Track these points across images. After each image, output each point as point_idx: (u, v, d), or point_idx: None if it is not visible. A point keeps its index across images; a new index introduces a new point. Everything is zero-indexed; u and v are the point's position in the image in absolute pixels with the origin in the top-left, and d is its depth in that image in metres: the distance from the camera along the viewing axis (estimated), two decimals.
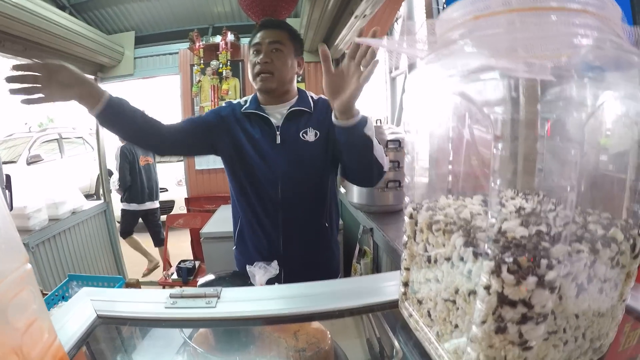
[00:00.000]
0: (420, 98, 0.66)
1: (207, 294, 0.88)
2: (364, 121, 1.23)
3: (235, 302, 0.87)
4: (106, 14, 4.21)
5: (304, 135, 1.50)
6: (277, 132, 1.51)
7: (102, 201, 4.35)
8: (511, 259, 0.42)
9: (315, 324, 0.89)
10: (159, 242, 4.87)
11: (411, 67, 3.32)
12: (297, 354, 0.82)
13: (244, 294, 0.91)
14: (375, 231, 2.20)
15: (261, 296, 0.90)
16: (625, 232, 0.56)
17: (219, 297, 0.88)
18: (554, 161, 0.47)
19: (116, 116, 1.30)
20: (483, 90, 0.47)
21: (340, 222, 1.80)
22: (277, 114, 1.55)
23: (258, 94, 1.59)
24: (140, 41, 4.45)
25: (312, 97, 1.61)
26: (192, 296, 0.88)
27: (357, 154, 1.31)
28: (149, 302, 0.88)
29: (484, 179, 0.52)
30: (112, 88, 4.45)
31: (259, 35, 1.51)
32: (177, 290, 0.90)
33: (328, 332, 0.88)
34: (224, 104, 1.68)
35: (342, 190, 3.02)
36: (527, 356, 0.46)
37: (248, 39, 1.60)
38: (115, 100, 1.29)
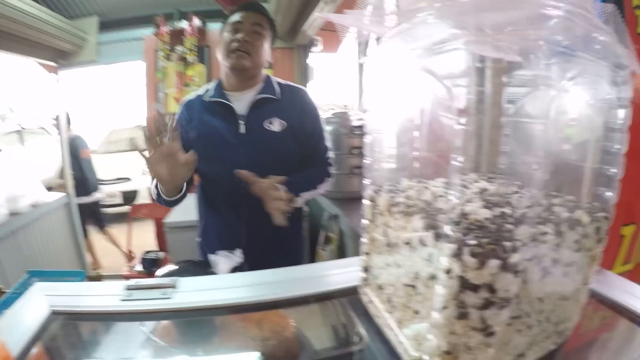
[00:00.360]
0: (381, 75, 0.64)
1: (162, 284, 0.85)
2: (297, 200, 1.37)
3: (192, 292, 0.84)
4: None
5: (269, 124, 1.45)
6: (242, 121, 1.45)
7: (64, 194, 4.20)
8: (473, 242, 0.40)
9: (279, 313, 0.87)
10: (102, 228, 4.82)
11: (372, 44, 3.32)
12: (261, 343, 0.80)
13: (201, 284, 0.88)
14: (340, 217, 2.18)
15: (219, 285, 0.88)
16: (591, 215, 0.55)
17: (175, 288, 0.85)
18: (520, 141, 0.45)
19: (178, 201, 1.44)
20: (446, 62, 0.45)
21: (305, 208, 1.78)
22: (241, 102, 1.48)
23: (225, 76, 1.52)
24: (104, 26, 4.24)
25: (278, 83, 1.55)
26: (148, 287, 0.85)
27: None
28: (105, 295, 0.85)
29: (447, 160, 0.50)
30: (74, 75, 4.30)
31: (240, 14, 1.45)
32: (133, 281, 0.87)
33: (292, 320, 0.86)
34: (179, 110, 1.59)
35: None
36: (490, 342, 0.44)
37: (215, 24, 1.56)
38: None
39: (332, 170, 1.51)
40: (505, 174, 0.52)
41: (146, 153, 1.22)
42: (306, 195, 1.40)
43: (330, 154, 1.53)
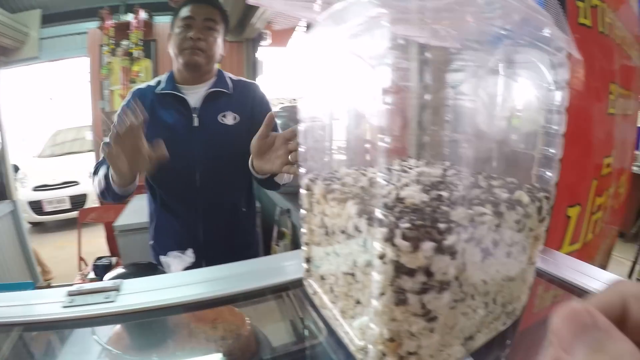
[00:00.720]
0: (312, 61, 0.63)
1: (105, 288, 0.82)
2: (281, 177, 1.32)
3: (137, 293, 0.82)
4: None
5: (223, 118, 1.44)
6: (195, 115, 1.43)
7: (8, 200, 4.00)
8: (406, 224, 0.39)
9: (234, 311, 0.86)
10: None
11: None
12: (218, 343, 0.79)
13: (146, 284, 0.86)
14: (292, 212, 2.18)
15: (165, 285, 0.86)
16: (531, 195, 0.55)
17: (118, 290, 0.82)
18: (460, 125, 0.45)
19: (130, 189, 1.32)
20: (371, 41, 0.44)
21: (257, 204, 1.77)
22: (194, 95, 1.46)
23: (177, 71, 1.49)
24: (46, 20, 4.06)
25: (230, 78, 1.54)
26: (91, 292, 0.81)
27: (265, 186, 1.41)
28: (47, 302, 0.81)
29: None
30: (16, 74, 4.10)
31: (190, 8, 1.41)
32: (75, 287, 0.83)
33: (247, 318, 0.85)
34: (127, 98, 1.52)
35: None
36: (433, 327, 0.43)
37: (162, 17, 1.52)
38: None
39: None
40: (447, 159, 0.52)
41: (106, 139, 1.16)
42: (285, 176, 1.35)
43: None
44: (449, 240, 0.39)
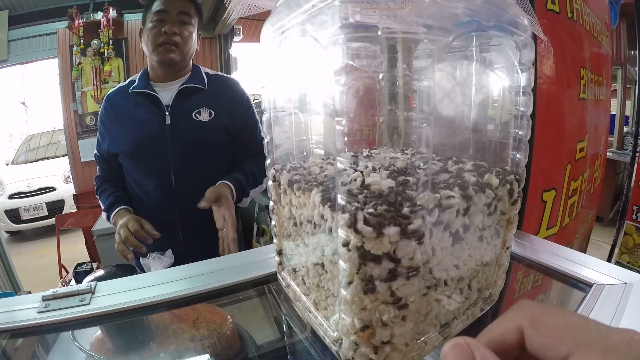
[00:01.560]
0: (272, 49, 0.62)
1: (80, 290, 0.81)
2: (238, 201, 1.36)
3: (111, 294, 0.81)
4: None
5: (197, 115, 1.39)
6: (167, 112, 1.38)
7: None
8: (369, 210, 0.38)
9: (214, 309, 0.85)
10: None
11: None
12: (199, 343, 0.78)
13: (121, 285, 0.85)
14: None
15: (140, 285, 0.84)
16: (501, 178, 0.55)
17: (93, 293, 0.81)
18: (428, 111, 0.44)
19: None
20: (322, 22, 0.43)
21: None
22: (167, 92, 1.42)
23: (152, 68, 1.45)
24: (14, 21, 3.98)
25: (206, 73, 1.49)
26: (65, 296, 0.80)
27: None
28: (21, 309, 0.80)
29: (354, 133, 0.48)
30: None
31: (164, 1, 1.36)
32: (49, 292, 0.81)
33: (228, 316, 0.84)
34: (103, 104, 1.52)
35: None
36: (405, 315, 0.43)
37: (132, 15, 1.48)
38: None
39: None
40: (415, 145, 0.51)
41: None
42: (253, 193, 1.38)
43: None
44: (414, 224, 0.38)
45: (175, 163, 1.36)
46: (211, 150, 1.42)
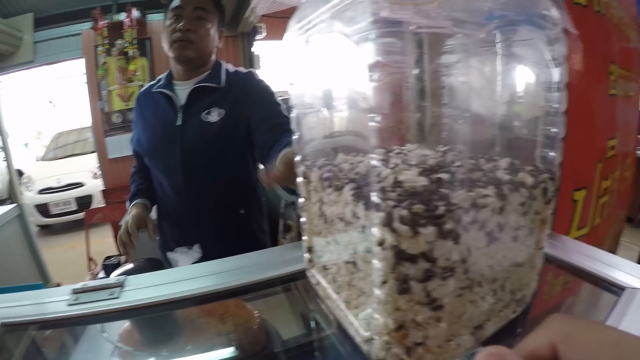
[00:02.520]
0: (300, 45, 0.61)
1: (109, 284, 0.83)
2: None
3: (140, 288, 0.82)
4: None
5: (207, 115, 1.36)
6: (179, 113, 1.38)
7: (14, 205, 4.02)
8: (405, 209, 0.38)
9: (242, 305, 0.86)
10: None
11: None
12: (227, 337, 0.80)
13: (150, 280, 0.86)
14: (297, 204, 2.16)
15: (168, 279, 0.85)
16: (535, 177, 0.54)
17: (122, 287, 0.82)
18: (458, 107, 0.43)
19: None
20: (353, 17, 0.42)
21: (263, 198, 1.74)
22: (184, 92, 1.41)
23: (173, 65, 1.45)
24: (39, 23, 4.07)
25: (227, 70, 1.47)
26: (95, 289, 0.82)
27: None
28: (52, 301, 0.82)
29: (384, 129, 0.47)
30: (14, 79, 4.12)
31: None
32: (79, 284, 0.84)
33: (256, 311, 0.85)
34: (135, 100, 1.55)
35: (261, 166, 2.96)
36: (440, 316, 0.42)
37: (155, 15, 1.48)
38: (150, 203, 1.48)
39: None
40: (447, 142, 0.50)
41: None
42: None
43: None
44: (451, 223, 0.37)
45: (184, 163, 1.35)
46: (220, 151, 1.38)
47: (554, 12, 0.55)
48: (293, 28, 0.61)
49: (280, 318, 0.90)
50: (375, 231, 0.40)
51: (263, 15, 3.41)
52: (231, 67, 1.50)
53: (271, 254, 0.95)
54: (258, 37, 4.04)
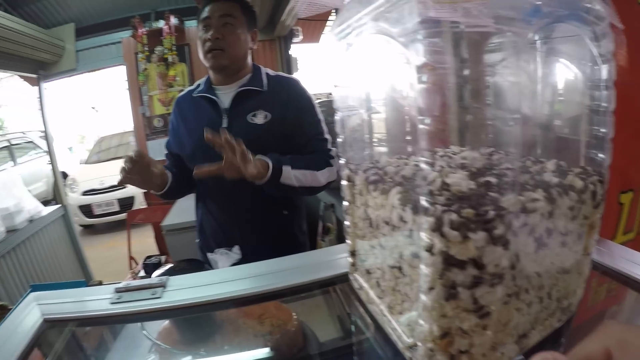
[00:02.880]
0: (343, 47, 0.60)
1: (152, 284, 0.84)
2: (275, 177, 1.26)
3: (182, 289, 0.83)
4: (43, 7, 3.92)
5: (253, 117, 1.39)
6: (224, 115, 1.41)
7: (59, 205, 4.17)
8: (454, 213, 0.37)
9: (281, 306, 0.86)
10: None
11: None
12: (264, 338, 0.79)
13: (191, 281, 0.87)
14: (336, 207, 2.16)
15: (210, 280, 0.86)
16: (584, 180, 0.52)
17: (164, 287, 0.84)
18: (502, 107, 0.42)
19: (170, 193, 1.47)
20: (399, 18, 0.41)
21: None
22: (226, 95, 1.44)
23: (210, 73, 1.48)
24: (81, 33, 4.19)
25: (267, 74, 1.49)
26: (138, 288, 0.84)
27: (282, 194, 1.34)
28: (95, 299, 0.84)
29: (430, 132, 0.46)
30: (57, 86, 4.28)
31: (208, 9, 1.38)
32: (123, 284, 0.86)
33: (294, 313, 0.85)
34: (173, 107, 1.58)
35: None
36: (486, 324, 0.41)
37: (193, 22, 1.50)
38: (172, 182, 1.45)
39: (334, 162, 1.42)
40: (491, 143, 0.49)
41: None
42: (297, 174, 1.31)
43: (331, 147, 1.45)
44: (501, 229, 0.36)
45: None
46: (265, 152, 1.35)
47: (599, 6, 0.52)
48: (335, 31, 0.61)
49: (318, 320, 0.90)
50: (424, 236, 0.39)
51: (299, 19, 3.44)
52: (271, 71, 1.52)
53: (311, 258, 0.95)
54: (295, 40, 4.05)
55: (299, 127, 1.42)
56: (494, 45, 0.45)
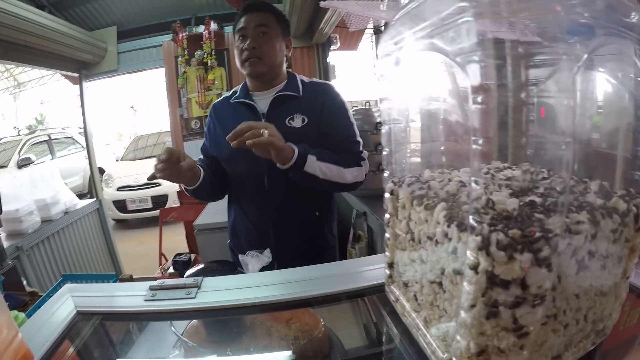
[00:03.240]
0: (392, 62, 0.61)
1: (187, 284, 0.86)
2: (299, 164, 1.30)
3: (216, 291, 0.84)
4: (87, 10, 4.09)
5: (290, 121, 1.44)
6: (263, 119, 1.45)
7: (94, 199, 4.29)
8: (502, 233, 0.37)
9: (309, 311, 0.86)
10: None
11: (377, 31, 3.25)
12: (290, 342, 0.79)
13: (225, 283, 0.88)
14: (368, 215, 2.17)
15: (243, 284, 0.87)
16: (628, 202, 0.51)
17: (199, 287, 0.85)
18: (545, 124, 0.41)
19: (202, 189, 1.48)
20: (455, 37, 0.41)
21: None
22: (264, 101, 1.49)
23: (247, 80, 1.54)
24: (122, 36, 4.34)
25: (302, 81, 1.54)
26: (172, 287, 0.85)
27: (307, 184, 1.36)
28: (129, 295, 0.86)
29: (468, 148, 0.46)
30: (97, 85, 4.41)
31: (243, 19, 1.44)
32: (157, 282, 0.88)
33: (321, 319, 0.84)
34: (210, 112, 1.64)
35: None
36: (523, 344, 0.40)
37: (232, 27, 1.54)
38: (205, 177, 1.47)
39: (364, 163, 1.46)
40: (532, 160, 0.48)
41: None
42: (322, 166, 1.34)
43: (362, 149, 1.48)
44: (547, 250, 0.36)
45: (269, 167, 1.40)
46: None
47: None
48: (384, 45, 0.61)
49: (344, 328, 0.90)
50: (470, 254, 0.39)
51: (337, 26, 3.45)
52: (305, 78, 1.57)
53: (343, 267, 0.95)
54: (332, 47, 4.07)
55: (332, 129, 1.46)
56: (537, 62, 0.45)
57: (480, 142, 0.37)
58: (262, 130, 1.19)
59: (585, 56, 0.41)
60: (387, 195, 0.64)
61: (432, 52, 0.47)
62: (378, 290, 0.81)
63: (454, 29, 0.42)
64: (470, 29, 0.38)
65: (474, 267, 0.39)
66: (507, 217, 0.39)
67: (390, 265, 0.70)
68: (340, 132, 1.47)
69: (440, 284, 0.51)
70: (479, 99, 0.37)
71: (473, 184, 0.39)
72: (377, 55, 0.63)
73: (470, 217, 0.39)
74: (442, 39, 0.45)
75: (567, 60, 0.39)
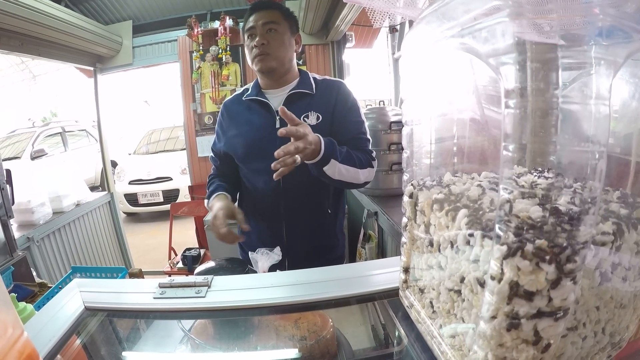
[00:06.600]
0: (417, 61, 0.59)
1: (197, 283, 0.85)
2: (321, 163, 1.31)
3: (227, 291, 0.84)
4: (102, 4, 4.12)
5: (305, 118, 1.44)
6: (277, 117, 1.45)
7: (106, 192, 4.32)
8: (529, 244, 0.35)
9: (318, 312, 0.86)
10: None
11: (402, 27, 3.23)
12: (298, 342, 0.79)
13: (236, 282, 0.87)
14: (379, 215, 2.16)
15: (254, 284, 0.87)
16: None
17: (209, 286, 0.84)
18: (570, 130, 0.40)
19: None
20: (489, 38, 0.40)
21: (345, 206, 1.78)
22: (277, 98, 1.50)
23: (259, 77, 1.55)
24: (138, 30, 4.37)
25: (314, 78, 1.56)
26: (182, 285, 0.84)
27: (321, 177, 1.36)
28: (138, 292, 0.85)
29: (494, 151, 0.45)
30: (112, 78, 4.43)
31: (251, 18, 1.46)
32: (166, 279, 0.87)
33: (330, 320, 0.84)
34: (221, 110, 1.65)
35: None
36: (543, 357, 0.39)
37: None
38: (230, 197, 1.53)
39: (374, 164, 1.47)
40: (556, 167, 0.47)
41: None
42: (342, 168, 1.35)
43: (371, 148, 1.50)
44: (573, 263, 0.35)
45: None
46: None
47: None
48: (410, 43, 0.60)
49: (352, 329, 0.89)
50: (494, 264, 0.38)
51: (353, 24, 3.44)
52: (317, 76, 1.58)
53: (353, 270, 0.94)
54: (348, 45, 4.05)
55: (344, 125, 1.48)
56: (568, 65, 0.43)
57: (510, 147, 0.36)
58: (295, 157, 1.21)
59: (622, 61, 0.39)
60: (405, 198, 0.63)
61: (461, 52, 0.46)
62: (388, 295, 0.80)
63: (487, 29, 0.41)
64: (506, 30, 0.37)
65: (498, 277, 0.37)
66: (533, 226, 0.38)
67: (406, 270, 0.69)
68: (352, 128, 1.49)
69: (459, 292, 0.50)
70: (512, 103, 0.36)
71: (502, 193, 0.38)
72: (394, 54, 0.61)
73: (497, 225, 0.38)
74: (473, 38, 0.44)
75: (604, 64, 0.37)
